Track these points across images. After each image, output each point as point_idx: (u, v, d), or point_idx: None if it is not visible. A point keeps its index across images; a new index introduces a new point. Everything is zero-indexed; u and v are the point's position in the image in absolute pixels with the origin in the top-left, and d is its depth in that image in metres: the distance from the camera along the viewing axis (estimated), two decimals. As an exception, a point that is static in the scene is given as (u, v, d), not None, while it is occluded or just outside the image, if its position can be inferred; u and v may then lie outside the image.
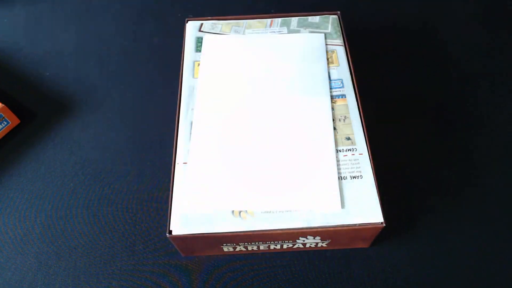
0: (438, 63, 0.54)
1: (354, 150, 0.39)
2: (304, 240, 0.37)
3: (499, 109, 0.50)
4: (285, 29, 0.48)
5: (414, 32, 0.57)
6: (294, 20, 0.49)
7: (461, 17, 0.59)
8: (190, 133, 0.40)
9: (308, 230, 0.35)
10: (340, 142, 0.39)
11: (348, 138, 0.39)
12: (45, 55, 0.56)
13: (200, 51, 0.46)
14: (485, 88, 0.52)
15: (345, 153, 0.38)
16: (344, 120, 0.40)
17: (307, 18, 0.49)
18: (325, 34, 0.47)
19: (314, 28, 0.48)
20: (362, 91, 0.48)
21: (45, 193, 0.45)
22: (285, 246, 0.39)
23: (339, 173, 0.37)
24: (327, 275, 0.39)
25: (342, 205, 0.35)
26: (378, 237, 0.38)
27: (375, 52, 0.55)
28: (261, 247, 0.39)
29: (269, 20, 0.49)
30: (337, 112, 0.41)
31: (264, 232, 0.35)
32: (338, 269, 0.40)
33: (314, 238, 0.37)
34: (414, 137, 0.48)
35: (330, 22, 0.48)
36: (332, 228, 0.35)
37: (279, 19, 0.49)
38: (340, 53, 0.45)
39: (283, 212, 0.35)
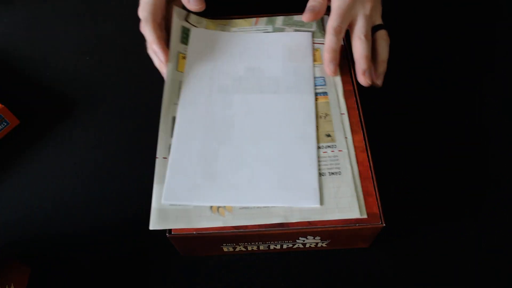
0: (436, 60, 0.54)
1: (334, 147, 0.39)
2: (304, 240, 0.37)
3: (503, 109, 0.50)
4: (270, 27, 0.48)
5: (410, 29, 0.57)
6: (279, 19, 0.49)
7: (459, 16, 0.59)
8: (172, 128, 0.40)
9: (308, 230, 0.35)
10: (320, 139, 0.39)
11: (328, 135, 0.40)
12: (45, 55, 0.56)
13: (185, 43, 0.46)
14: (487, 87, 0.52)
15: (324, 149, 0.39)
16: (325, 117, 0.41)
17: (293, 17, 0.49)
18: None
19: (299, 26, 0.48)
20: (362, 90, 0.48)
21: (45, 193, 0.45)
22: (285, 246, 0.39)
23: (318, 169, 0.37)
24: (327, 275, 0.39)
25: (321, 202, 0.36)
26: (378, 237, 0.38)
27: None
28: (261, 247, 0.39)
29: (254, 19, 0.49)
30: (318, 109, 0.41)
31: (264, 232, 0.35)
32: (338, 269, 0.40)
33: (314, 238, 0.37)
34: (414, 137, 0.48)
35: (315, 20, 0.48)
36: (332, 228, 0.35)
37: (265, 18, 0.49)
38: (323, 51, 0.45)
39: (261, 208, 0.36)
